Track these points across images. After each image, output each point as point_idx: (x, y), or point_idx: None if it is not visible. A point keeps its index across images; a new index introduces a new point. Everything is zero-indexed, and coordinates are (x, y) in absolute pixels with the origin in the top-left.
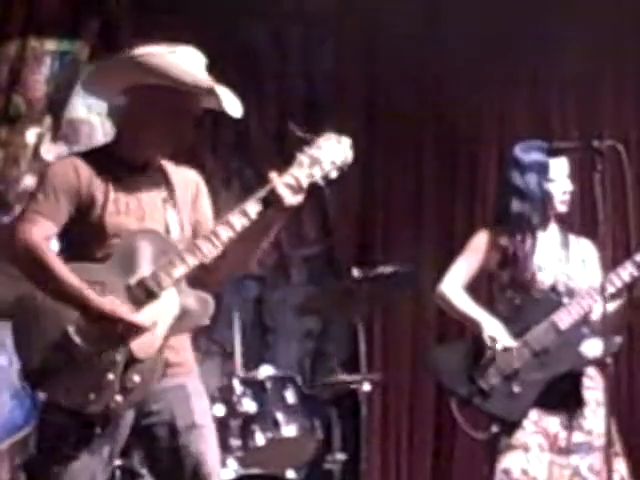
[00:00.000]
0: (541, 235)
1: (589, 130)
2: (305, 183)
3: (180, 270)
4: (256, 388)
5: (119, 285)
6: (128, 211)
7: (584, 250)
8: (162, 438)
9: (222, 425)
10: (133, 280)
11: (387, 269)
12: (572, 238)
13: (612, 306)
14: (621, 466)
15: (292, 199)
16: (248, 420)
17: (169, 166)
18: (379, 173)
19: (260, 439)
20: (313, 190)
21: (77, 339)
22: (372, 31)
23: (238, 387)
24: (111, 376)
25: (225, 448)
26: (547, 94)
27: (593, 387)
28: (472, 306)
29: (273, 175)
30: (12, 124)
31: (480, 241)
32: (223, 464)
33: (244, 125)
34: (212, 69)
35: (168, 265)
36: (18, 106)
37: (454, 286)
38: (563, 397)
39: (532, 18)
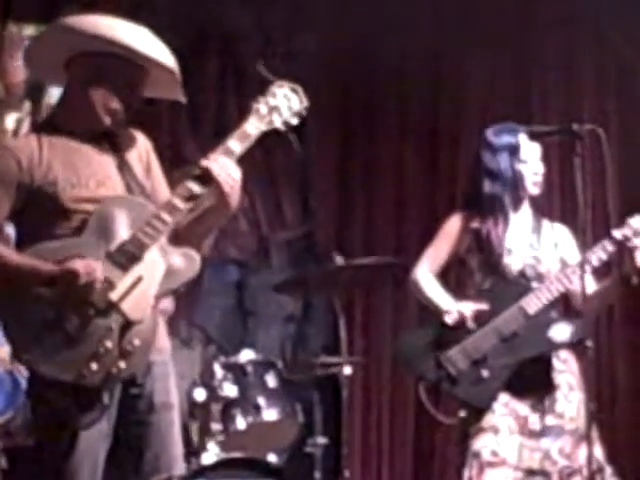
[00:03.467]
0: (513, 218)
1: (569, 114)
2: (265, 129)
3: (159, 229)
4: (237, 372)
5: (99, 254)
6: (82, 183)
7: (557, 235)
8: (140, 411)
9: (203, 409)
10: (113, 246)
11: (369, 259)
12: (546, 223)
13: (593, 286)
14: (597, 450)
15: (227, 181)
16: (229, 404)
17: (118, 132)
18: (359, 157)
19: (241, 423)
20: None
21: (59, 312)
22: (356, 13)
23: (219, 371)
24: (109, 343)
25: (206, 432)
26: (529, 78)
27: (565, 370)
28: (440, 292)
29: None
30: None
31: (452, 225)
32: (204, 448)
33: (223, 109)
34: (194, 53)
35: (146, 226)
36: None
37: (425, 272)
38: (533, 381)
39: (515, 1)
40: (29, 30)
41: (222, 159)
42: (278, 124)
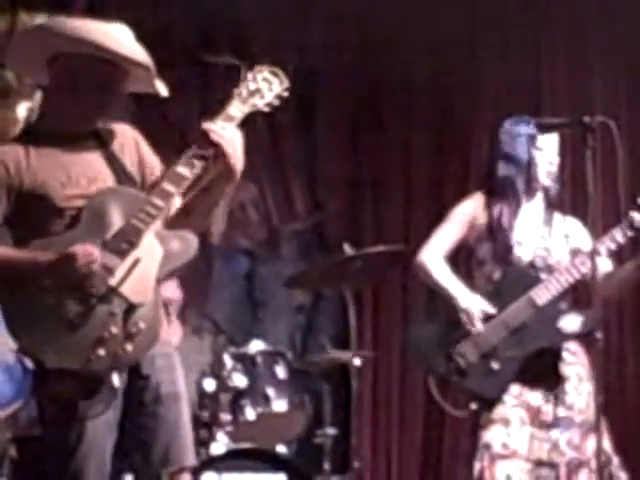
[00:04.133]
0: (525, 207)
1: (580, 107)
2: (248, 111)
3: (153, 214)
4: (247, 363)
5: (95, 244)
6: (73, 181)
7: (569, 227)
8: (147, 403)
9: (212, 400)
10: (108, 236)
11: (378, 247)
12: (557, 215)
13: (609, 266)
14: (605, 442)
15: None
16: (238, 395)
17: (103, 128)
18: (368, 148)
19: (250, 414)
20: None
21: (61, 301)
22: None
23: (229, 362)
24: (114, 328)
25: (215, 423)
26: (537, 71)
27: (574, 362)
28: (451, 277)
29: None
30: (3, 99)
31: (465, 210)
32: (214, 438)
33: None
34: (203, 43)
35: (140, 213)
36: (9, 80)
37: (434, 256)
38: (542, 373)
39: None
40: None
41: (220, 123)
42: (261, 105)
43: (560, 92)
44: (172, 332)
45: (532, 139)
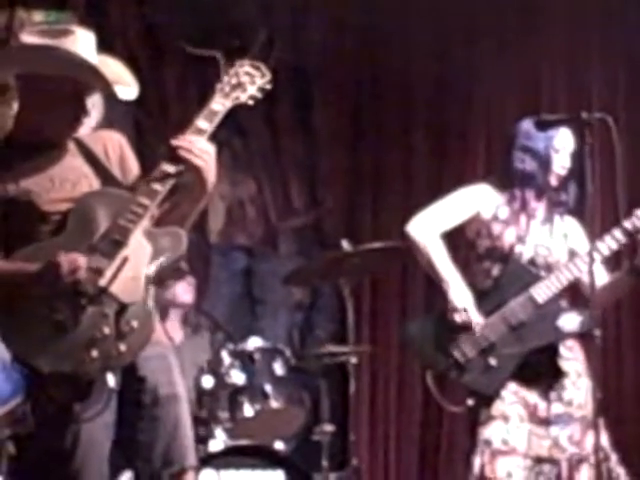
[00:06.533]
0: (533, 204)
1: (578, 105)
2: (231, 106)
3: (140, 213)
4: (245, 360)
5: (82, 249)
6: (57, 186)
7: (568, 226)
8: (145, 406)
9: (211, 396)
10: (95, 238)
11: (376, 244)
12: (556, 215)
13: (604, 277)
14: (603, 438)
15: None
16: (236, 391)
17: (87, 135)
18: (367, 145)
19: (248, 410)
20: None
21: (51, 306)
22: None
23: (227, 359)
24: (106, 329)
25: (214, 419)
26: (536, 69)
27: (572, 358)
28: (446, 261)
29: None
30: (0, 95)
31: (473, 197)
32: (212, 435)
33: None
34: (202, 43)
35: (126, 213)
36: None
37: (431, 230)
38: (541, 370)
39: None
40: (38, 16)
41: (190, 137)
42: (244, 99)
43: (559, 90)
44: (173, 331)
45: (551, 138)
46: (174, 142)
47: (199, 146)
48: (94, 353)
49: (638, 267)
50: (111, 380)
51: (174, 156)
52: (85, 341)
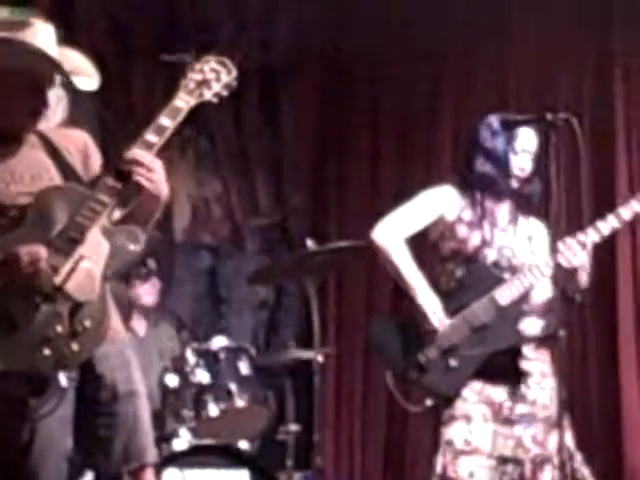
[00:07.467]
0: (495, 208)
1: (544, 104)
2: (195, 103)
3: (97, 210)
4: (210, 359)
5: (40, 243)
6: (17, 178)
7: (532, 228)
8: (104, 402)
9: (175, 395)
10: (53, 234)
11: (341, 243)
12: (520, 217)
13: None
14: (568, 438)
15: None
16: (201, 391)
17: (51, 130)
18: (333, 144)
19: (213, 410)
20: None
21: (5, 302)
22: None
23: (192, 357)
24: (59, 328)
25: (178, 418)
26: (504, 67)
27: (536, 359)
28: (412, 268)
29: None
30: None
31: (437, 200)
32: (176, 434)
33: None
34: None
35: (84, 209)
36: None
37: (396, 236)
38: (503, 371)
39: None
40: (3, 13)
41: (137, 152)
42: (208, 96)
43: (525, 91)
44: (137, 325)
45: (511, 139)
46: (123, 158)
47: (146, 163)
48: (46, 352)
49: (567, 293)
50: (63, 380)
51: (119, 171)
52: (38, 339)
